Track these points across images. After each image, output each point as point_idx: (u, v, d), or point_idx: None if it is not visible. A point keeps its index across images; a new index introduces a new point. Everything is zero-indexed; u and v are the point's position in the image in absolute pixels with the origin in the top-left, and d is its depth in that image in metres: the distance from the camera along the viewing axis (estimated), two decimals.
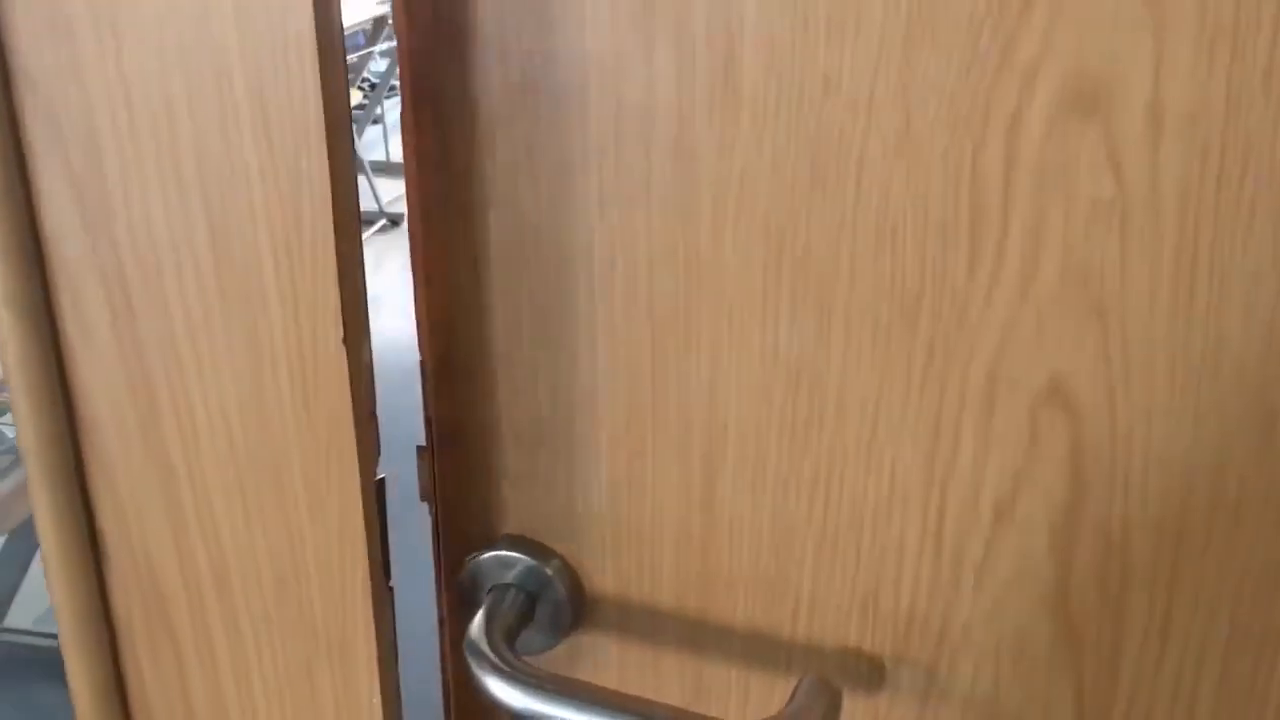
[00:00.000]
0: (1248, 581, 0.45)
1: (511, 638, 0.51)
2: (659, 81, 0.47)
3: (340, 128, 0.79)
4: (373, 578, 0.91)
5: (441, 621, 0.52)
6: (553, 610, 0.54)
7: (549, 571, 0.54)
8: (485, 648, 0.50)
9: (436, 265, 0.51)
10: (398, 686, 0.93)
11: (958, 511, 0.48)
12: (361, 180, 5.08)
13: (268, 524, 0.89)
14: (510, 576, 0.54)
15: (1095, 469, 0.45)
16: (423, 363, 0.50)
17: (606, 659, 0.53)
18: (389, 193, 4.97)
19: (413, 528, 2.66)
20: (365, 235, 4.72)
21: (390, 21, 4.96)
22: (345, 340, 0.83)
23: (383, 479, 0.95)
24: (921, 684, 0.50)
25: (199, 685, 0.95)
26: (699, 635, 0.53)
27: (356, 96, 4.87)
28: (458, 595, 0.54)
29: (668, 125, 0.48)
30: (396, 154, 5.53)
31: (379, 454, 0.95)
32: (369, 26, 4.70)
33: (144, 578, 0.92)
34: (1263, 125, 0.40)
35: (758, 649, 0.52)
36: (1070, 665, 0.48)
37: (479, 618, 0.52)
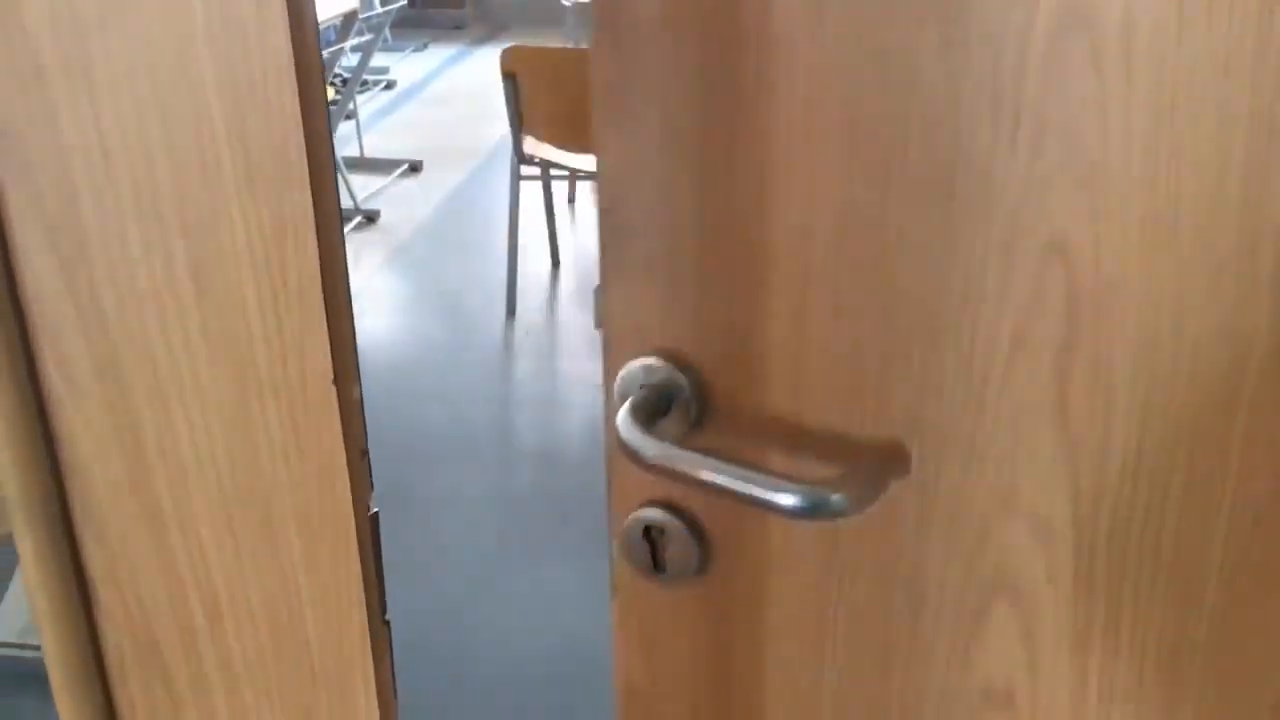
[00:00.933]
0: (1207, 403, 0.58)
1: (649, 424, 0.65)
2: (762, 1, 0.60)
3: (323, 166, 0.78)
4: (370, 615, 0.90)
5: (607, 419, 0.68)
6: (682, 409, 0.68)
7: (681, 378, 0.68)
8: (628, 425, 0.64)
9: (610, 140, 0.66)
10: None
11: (985, 341, 0.61)
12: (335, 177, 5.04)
13: (260, 565, 0.88)
14: (653, 380, 0.68)
15: (1086, 307, 0.59)
16: (599, 213, 0.67)
17: (722, 455, 0.65)
18: (363, 189, 4.93)
19: (426, 531, 2.63)
20: None
21: (360, 16, 4.91)
22: (335, 380, 0.82)
23: (375, 513, 0.94)
24: (954, 483, 0.65)
25: None
26: (793, 437, 0.67)
27: (329, 92, 4.82)
28: (615, 396, 0.70)
29: (773, 42, 0.60)
30: (370, 149, 5.48)
31: (372, 489, 0.94)
32: (339, 22, 4.65)
33: (135, 621, 0.91)
34: (1207, 40, 0.53)
35: (836, 448, 0.67)
36: (1068, 468, 0.62)
37: (625, 407, 0.66)
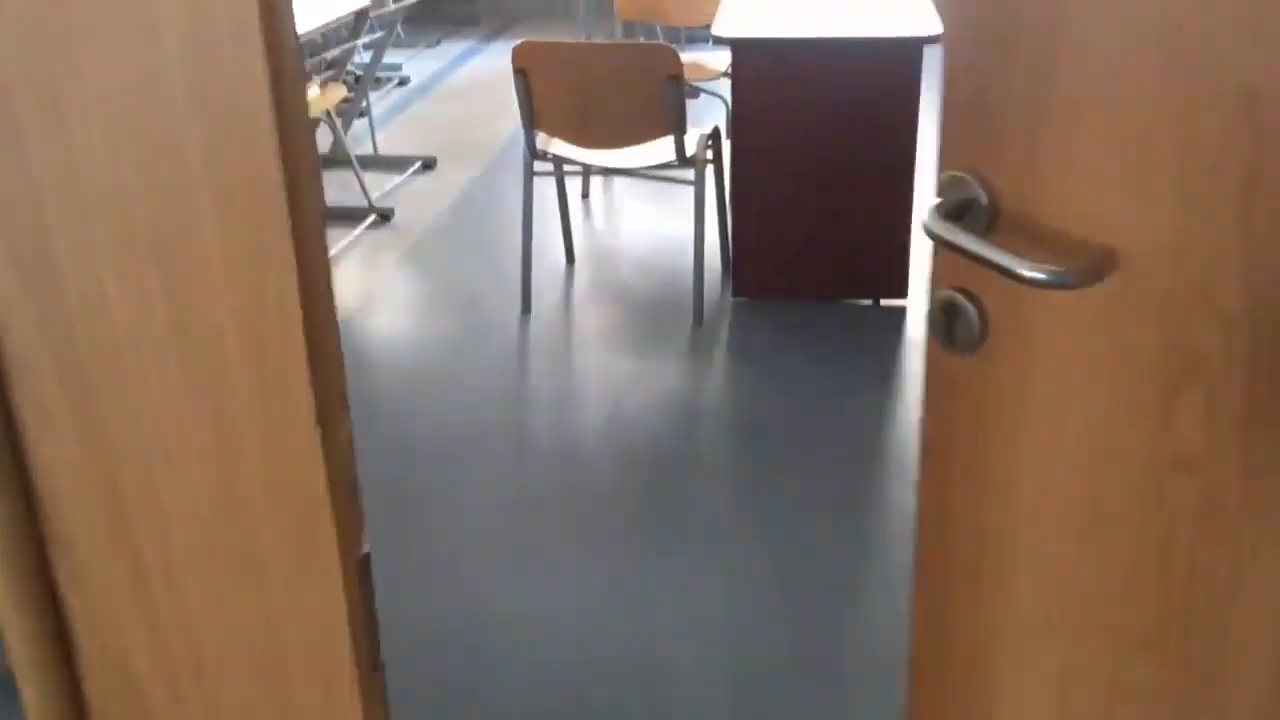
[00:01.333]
0: None
1: (951, 219, 0.89)
2: None
3: (304, 197, 0.73)
4: (359, 663, 0.85)
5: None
6: (976, 215, 0.90)
7: (978, 188, 0.90)
8: (932, 215, 0.88)
9: (956, 27, 0.87)
10: None
11: (1191, 172, 0.79)
12: (350, 176, 4.99)
13: (244, 612, 0.83)
14: (957, 189, 0.91)
15: (1266, 139, 0.76)
16: (945, 69, 0.90)
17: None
18: (377, 187, 4.89)
19: (442, 528, 2.58)
20: (355, 232, 4.65)
21: (372, 14, 4.87)
22: (320, 420, 0.77)
23: (367, 554, 0.89)
24: (1162, 280, 0.83)
25: None
26: (1047, 243, 0.87)
27: (342, 90, 4.77)
28: (937, 195, 0.91)
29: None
30: (384, 147, 5.43)
31: (363, 528, 0.89)
32: (351, 20, 4.60)
33: (117, 671, 0.87)
34: None
35: (1076, 250, 0.86)
36: (1246, 271, 0.80)
37: (933, 203, 0.88)
